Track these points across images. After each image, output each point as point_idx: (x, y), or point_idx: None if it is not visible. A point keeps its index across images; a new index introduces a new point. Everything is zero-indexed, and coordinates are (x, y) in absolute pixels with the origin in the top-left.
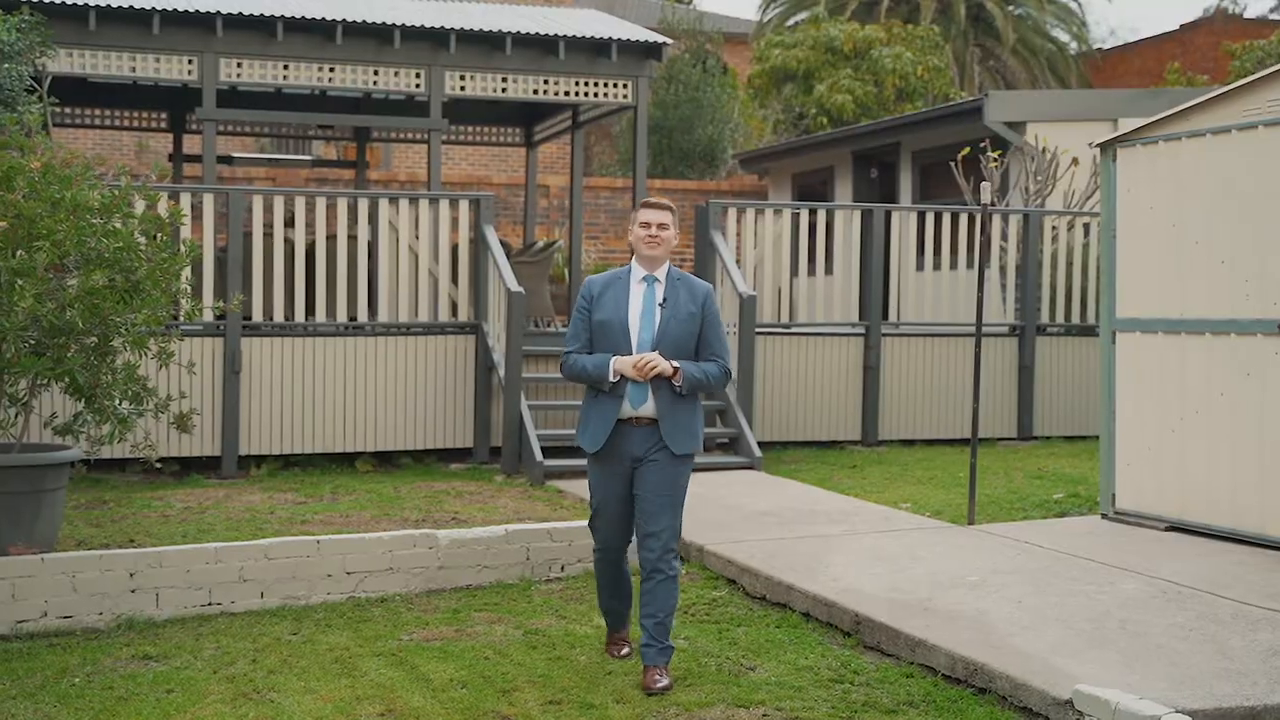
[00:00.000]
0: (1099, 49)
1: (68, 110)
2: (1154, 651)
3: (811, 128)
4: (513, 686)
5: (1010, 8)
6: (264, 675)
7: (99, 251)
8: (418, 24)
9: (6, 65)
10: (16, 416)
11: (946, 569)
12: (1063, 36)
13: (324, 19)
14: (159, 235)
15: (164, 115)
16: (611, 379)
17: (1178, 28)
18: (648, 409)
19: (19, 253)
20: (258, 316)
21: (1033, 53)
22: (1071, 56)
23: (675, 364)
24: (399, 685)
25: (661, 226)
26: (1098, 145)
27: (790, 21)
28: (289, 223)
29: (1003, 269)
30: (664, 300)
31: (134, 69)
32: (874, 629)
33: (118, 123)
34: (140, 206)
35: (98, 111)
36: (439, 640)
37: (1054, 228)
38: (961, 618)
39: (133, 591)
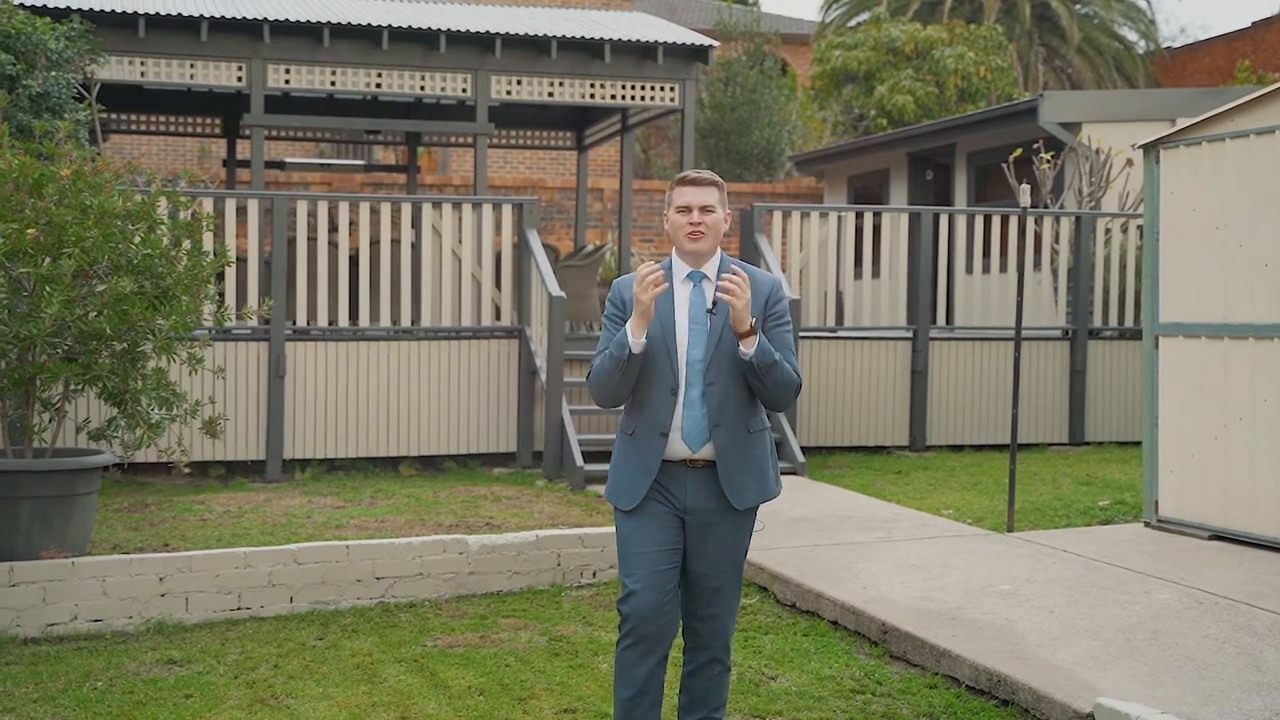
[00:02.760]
0: (1168, 48)
1: (125, 117)
2: (1184, 664)
3: (871, 129)
4: (530, 694)
5: (1076, 6)
6: (284, 681)
7: (128, 258)
8: (463, 29)
9: (54, 73)
10: (50, 421)
11: (979, 577)
12: (1130, 35)
13: (370, 24)
14: (188, 240)
15: (218, 121)
16: (633, 339)
17: (1249, 25)
18: (704, 451)
19: (48, 260)
20: (302, 321)
21: (1099, 52)
22: (1139, 56)
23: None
24: (416, 692)
25: (706, 210)
26: (1141, 146)
27: (852, 22)
28: (334, 228)
29: (1054, 271)
30: (714, 305)
31: (185, 76)
32: (900, 638)
33: (174, 129)
34: (185, 214)
35: (155, 118)
36: (462, 647)
37: (1107, 230)
38: (990, 627)
39: (162, 596)
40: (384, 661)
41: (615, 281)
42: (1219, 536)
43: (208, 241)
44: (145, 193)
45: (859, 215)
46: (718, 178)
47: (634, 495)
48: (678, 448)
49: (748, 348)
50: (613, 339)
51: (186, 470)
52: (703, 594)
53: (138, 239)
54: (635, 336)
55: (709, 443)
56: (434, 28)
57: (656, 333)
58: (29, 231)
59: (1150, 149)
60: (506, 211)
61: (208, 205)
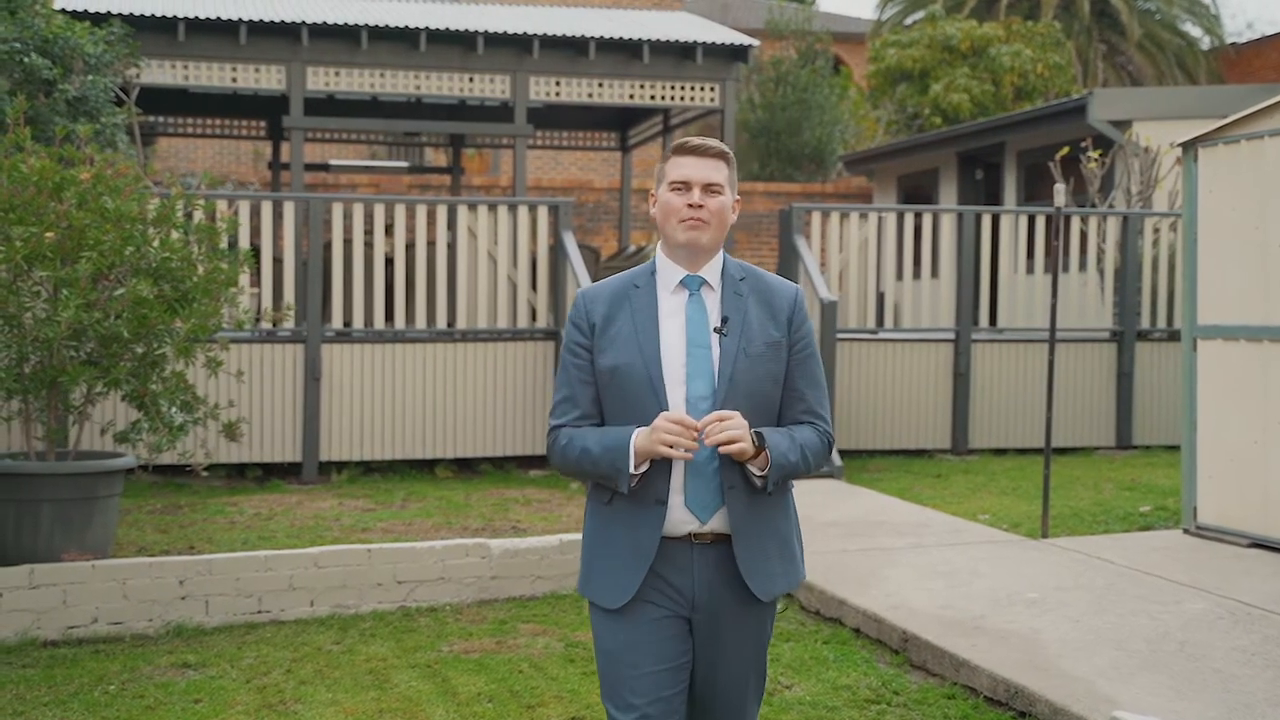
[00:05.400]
0: (1233, 44)
1: (173, 120)
2: (1209, 676)
3: (926, 128)
4: (539, 701)
5: (1137, 1)
6: (295, 686)
7: (147, 261)
8: (501, 30)
9: (91, 77)
10: (73, 424)
11: (1007, 585)
12: (1194, 31)
13: (408, 26)
14: (207, 244)
15: (263, 123)
16: (634, 470)
17: None
18: (715, 521)
19: (69, 263)
20: (338, 323)
21: (1160, 48)
22: (1202, 52)
23: (758, 434)
24: (425, 698)
25: (711, 190)
26: (1180, 144)
27: (908, 20)
28: (370, 229)
29: (1101, 272)
30: (724, 321)
31: (225, 79)
32: (920, 647)
33: (220, 132)
34: (214, 216)
35: (202, 121)
36: (477, 652)
37: (1156, 229)
38: (1012, 637)
39: (182, 599)
40: (397, 667)
41: (580, 293)
42: (1259, 544)
43: (244, 240)
44: (165, 195)
45: (900, 215)
46: (727, 149)
47: (624, 588)
48: (680, 518)
49: (761, 471)
50: (586, 385)
51: (204, 473)
52: (719, 704)
53: (157, 242)
54: (637, 466)
55: (721, 509)
56: (471, 29)
57: (635, 363)
58: (47, 235)
59: (1189, 147)
60: (542, 213)
61: (243, 209)
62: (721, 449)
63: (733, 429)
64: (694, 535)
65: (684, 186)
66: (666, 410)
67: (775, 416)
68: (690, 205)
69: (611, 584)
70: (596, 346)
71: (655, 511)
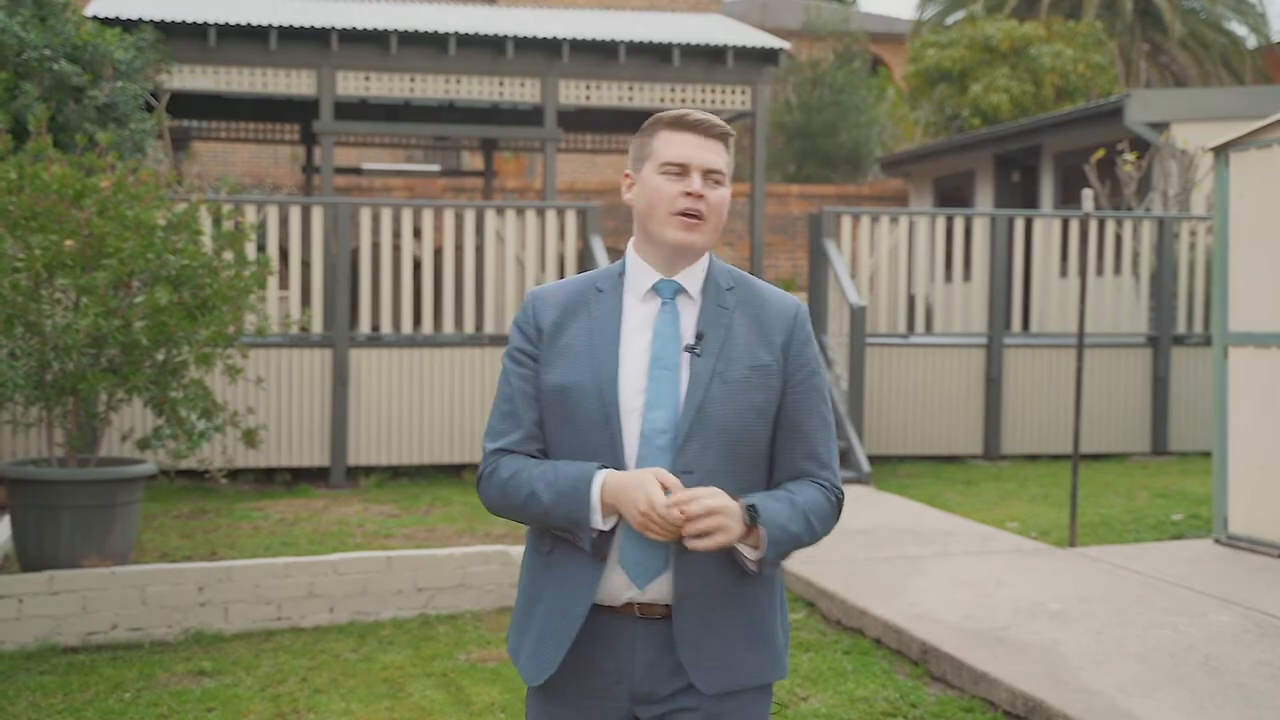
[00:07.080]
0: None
1: (208, 124)
2: (1232, 691)
3: (965, 129)
4: None
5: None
6: (309, 695)
7: (167, 269)
8: (530, 34)
9: (121, 84)
10: (95, 431)
11: (1031, 595)
12: (1239, 30)
13: (437, 31)
14: (230, 250)
15: (296, 128)
16: (596, 526)
17: None
18: (660, 587)
19: (88, 271)
20: (365, 327)
21: (1204, 47)
22: (1247, 51)
23: (749, 503)
24: (438, 708)
25: (711, 177)
26: (1211, 148)
27: (948, 20)
28: (397, 234)
29: (1136, 276)
30: (698, 339)
31: (256, 84)
32: (940, 659)
33: (254, 136)
34: (242, 223)
35: (237, 125)
36: (494, 661)
37: (1192, 233)
38: (1034, 649)
39: (202, 605)
40: (413, 675)
41: (530, 294)
42: None
43: (274, 245)
44: (186, 201)
45: (931, 219)
46: (731, 130)
47: (544, 662)
48: (616, 583)
49: (754, 552)
50: (529, 408)
51: (224, 480)
52: None
53: (178, 249)
54: (603, 522)
55: (665, 574)
56: (501, 34)
57: (589, 385)
58: (68, 243)
59: (1220, 151)
60: (570, 217)
61: (272, 214)
62: (697, 544)
63: (716, 520)
64: (638, 606)
65: (681, 170)
66: (621, 442)
67: (759, 458)
68: (689, 195)
69: (533, 654)
70: (543, 358)
71: (591, 570)
